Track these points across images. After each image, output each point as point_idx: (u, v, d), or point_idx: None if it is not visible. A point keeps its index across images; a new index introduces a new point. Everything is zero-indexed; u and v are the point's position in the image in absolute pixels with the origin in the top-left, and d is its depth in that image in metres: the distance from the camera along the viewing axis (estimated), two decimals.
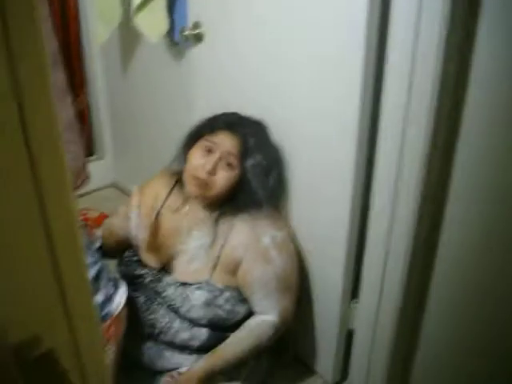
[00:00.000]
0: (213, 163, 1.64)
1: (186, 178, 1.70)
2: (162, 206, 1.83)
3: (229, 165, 1.65)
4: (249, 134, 1.68)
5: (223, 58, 1.90)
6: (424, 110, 1.38)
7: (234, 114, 1.75)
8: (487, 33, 1.29)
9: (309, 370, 2.05)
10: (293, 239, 1.79)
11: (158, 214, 1.81)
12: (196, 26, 1.91)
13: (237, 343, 1.69)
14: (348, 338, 1.91)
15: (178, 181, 1.82)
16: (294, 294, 1.75)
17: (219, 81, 1.95)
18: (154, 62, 2.48)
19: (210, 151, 1.66)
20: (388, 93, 1.46)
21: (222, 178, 1.66)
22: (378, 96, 1.51)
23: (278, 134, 1.76)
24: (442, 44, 1.30)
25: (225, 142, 1.66)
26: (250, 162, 1.66)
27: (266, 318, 1.70)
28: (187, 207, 1.79)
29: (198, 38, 1.92)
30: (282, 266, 1.69)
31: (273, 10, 1.66)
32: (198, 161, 1.66)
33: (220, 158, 1.65)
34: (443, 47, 1.31)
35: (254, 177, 1.67)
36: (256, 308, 1.71)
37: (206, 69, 1.99)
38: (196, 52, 1.99)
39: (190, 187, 1.69)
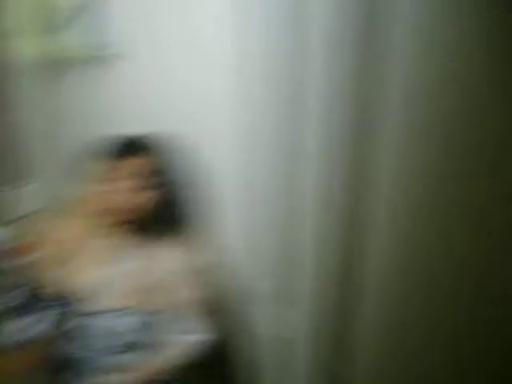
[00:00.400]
0: (122, 190, 1.62)
1: (97, 211, 1.68)
2: (78, 237, 1.77)
3: (141, 187, 1.65)
4: (159, 151, 1.69)
5: (139, 78, 1.95)
6: None
7: (132, 137, 1.72)
8: None
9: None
10: (220, 259, 1.82)
11: (74, 243, 1.76)
12: (113, 45, 1.93)
13: (160, 357, 1.67)
14: (284, 347, 1.93)
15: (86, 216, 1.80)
16: (221, 315, 1.78)
17: (136, 99, 1.98)
18: (74, 81, 2.47)
19: (115, 179, 1.65)
20: None
21: (137, 199, 1.63)
22: None
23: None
24: None
25: (132, 167, 1.64)
26: (163, 180, 1.65)
27: (193, 336, 1.70)
28: (103, 234, 1.78)
29: (117, 58, 1.93)
30: (209, 287, 1.70)
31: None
32: (104, 190, 1.64)
33: (126, 182, 1.64)
34: None
35: (170, 195, 1.67)
36: (185, 327, 1.70)
37: (124, 86, 2.02)
38: (116, 70, 2.01)
39: (106, 215, 1.66)
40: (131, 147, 1.66)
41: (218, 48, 1.69)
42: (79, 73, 2.33)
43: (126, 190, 1.61)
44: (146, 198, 1.63)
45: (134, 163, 1.63)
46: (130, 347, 1.65)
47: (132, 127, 1.80)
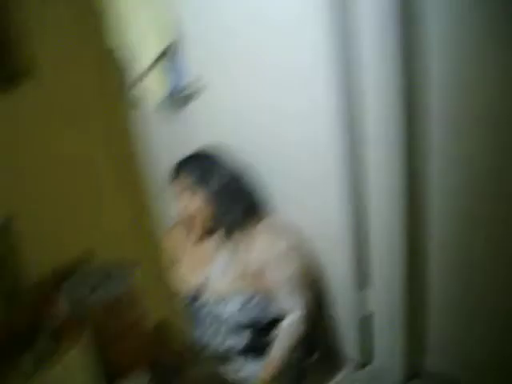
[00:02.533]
0: (183, 200, 2.09)
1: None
2: (182, 249, 2.21)
3: (192, 193, 2.06)
4: (191, 169, 2.08)
5: (215, 110, 2.23)
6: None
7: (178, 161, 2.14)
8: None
9: (338, 357, 2.34)
10: (302, 242, 2.13)
11: (183, 252, 2.20)
12: (192, 85, 2.25)
13: (280, 347, 1.99)
14: (368, 321, 2.20)
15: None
16: (313, 289, 2.08)
17: (214, 129, 2.26)
18: (148, 121, 2.74)
19: (181, 193, 2.10)
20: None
21: (194, 204, 2.07)
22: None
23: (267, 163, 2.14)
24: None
25: (182, 179, 2.09)
26: (210, 185, 2.05)
27: (293, 315, 2.01)
28: (204, 242, 2.16)
29: (194, 95, 2.25)
30: (300, 265, 2.02)
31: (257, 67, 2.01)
32: (180, 204, 2.12)
33: (185, 193, 2.08)
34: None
35: (222, 193, 2.05)
36: (283, 305, 2.02)
37: (200, 123, 2.31)
38: (191, 108, 2.32)
39: (192, 227, 2.14)
40: (175, 171, 2.11)
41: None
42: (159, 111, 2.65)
43: (184, 201, 2.07)
44: (197, 203, 2.06)
45: (179, 181, 2.08)
46: (238, 330, 2.01)
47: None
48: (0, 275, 0.75)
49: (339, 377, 2.25)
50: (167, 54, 2.33)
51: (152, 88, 2.37)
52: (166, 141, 2.61)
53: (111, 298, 0.81)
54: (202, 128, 2.33)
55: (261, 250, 2.03)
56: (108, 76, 0.90)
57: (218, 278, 2.08)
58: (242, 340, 2.01)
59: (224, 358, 2.02)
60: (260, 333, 2.03)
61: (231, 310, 1.99)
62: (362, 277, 2.10)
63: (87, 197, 0.91)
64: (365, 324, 2.20)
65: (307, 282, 2.05)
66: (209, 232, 2.13)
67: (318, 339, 2.31)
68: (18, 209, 0.80)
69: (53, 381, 0.68)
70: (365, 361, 2.28)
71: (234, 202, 2.07)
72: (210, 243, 2.14)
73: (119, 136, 0.93)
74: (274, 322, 2.04)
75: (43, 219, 0.86)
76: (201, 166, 2.09)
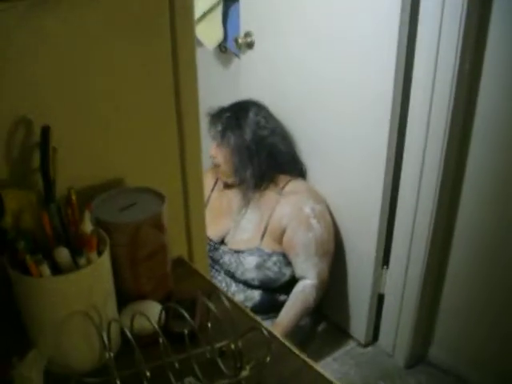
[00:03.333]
0: (212, 149, 2.09)
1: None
2: (210, 194, 2.22)
3: (218, 144, 2.07)
4: (227, 120, 2.06)
5: (269, 63, 2.21)
6: (444, 105, 1.69)
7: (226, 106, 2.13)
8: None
9: (343, 331, 2.33)
10: (329, 212, 2.11)
11: (208, 199, 2.20)
12: (247, 35, 2.23)
13: (289, 311, 1.99)
14: (379, 302, 2.19)
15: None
16: (330, 260, 2.07)
17: (264, 82, 2.25)
18: (204, 68, 2.76)
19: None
20: (415, 89, 1.77)
21: (220, 155, 2.08)
22: (407, 93, 1.80)
23: (314, 121, 2.10)
24: (459, 45, 1.60)
25: (210, 132, 2.09)
26: (235, 138, 2.03)
27: (306, 282, 2.01)
28: (232, 194, 2.16)
29: (249, 46, 2.24)
30: (321, 234, 2.01)
31: (315, 18, 1.97)
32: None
33: (216, 145, 2.08)
34: (461, 47, 1.60)
35: (250, 147, 2.03)
36: (298, 270, 2.02)
37: (253, 72, 2.31)
38: (245, 58, 2.31)
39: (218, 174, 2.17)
40: (212, 117, 2.09)
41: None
42: (208, 60, 2.67)
43: (214, 149, 2.08)
44: (220, 156, 2.07)
45: (212, 128, 2.07)
46: (258, 283, 2.02)
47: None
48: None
49: (340, 352, 2.25)
50: (224, 2, 2.34)
51: (207, 33, 2.37)
52: (218, 83, 2.65)
53: (137, 221, 0.81)
54: (251, 79, 2.32)
55: (285, 212, 2.02)
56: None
57: (240, 230, 2.09)
58: (251, 298, 2.03)
59: None
60: (270, 294, 2.04)
61: (248, 265, 2.00)
62: (380, 257, 2.08)
63: (131, 123, 0.91)
64: (375, 304, 2.19)
65: (324, 253, 2.04)
66: (232, 184, 2.13)
67: (327, 310, 2.32)
68: (57, 120, 0.80)
69: (67, 286, 0.69)
70: (368, 341, 2.28)
71: (257, 158, 2.05)
72: (236, 195, 2.15)
73: (176, 64, 0.92)
74: (287, 285, 2.05)
75: (82, 135, 0.86)
76: (231, 118, 2.07)
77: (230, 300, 0.90)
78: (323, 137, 2.09)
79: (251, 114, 2.07)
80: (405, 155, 1.88)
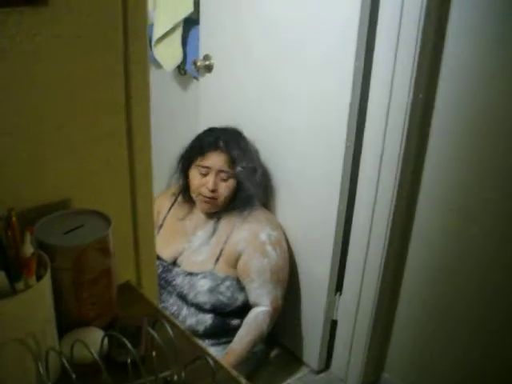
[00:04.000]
0: (212, 182, 1.98)
1: (194, 196, 2.06)
2: (166, 215, 2.17)
3: (224, 178, 2.00)
4: (231, 146, 2.00)
5: (227, 86, 2.21)
6: (398, 138, 1.72)
7: (214, 131, 2.07)
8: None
9: (296, 358, 2.31)
10: (285, 239, 2.10)
11: (163, 221, 2.16)
12: (206, 58, 2.23)
13: (243, 339, 1.95)
14: (332, 328, 2.18)
15: (178, 196, 2.16)
16: (284, 287, 2.05)
17: (222, 105, 2.26)
18: (163, 90, 2.77)
19: (206, 173, 2.00)
20: (372, 102, 1.79)
21: (224, 190, 2.00)
22: (362, 126, 1.83)
23: (270, 147, 2.10)
24: (413, 81, 1.64)
25: (215, 162, 1.99)
26: (238, 169, 1.99)
27: (260, 309, 1.99)
28: (191, 215, 2.13)
29: (208, 69, 2.24)
30: (276, 261, 2.00)
31: (270, 49, 1.99)
32: (199, 181, 2.01)
33: (216, 175, 1.98)
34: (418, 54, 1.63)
35: (244, 179, 2.01)
36: (251, 297, 2.00)
37: (212, 95, 2.30)
38: (204, 80, 2.30)
39: (200, 204, 2.06)
40: (207, 144, 2.02)
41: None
42: (166, 83, 2.66)
43: (211, 183, 1.98)
44: (226, 189, 2.00)
45: (216, 159, 1.98)
46: (210, 307, 1.97)
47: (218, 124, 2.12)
48: None
49: (293, 379, 2.23)
50: (183, 26, 2.34)
51: (166, 56, 2.37)
52: (177, 106, 2.64)
53: (82, 244, 0.79)
54: (211, 102, 2.32)
55: (241, 237, 2.01)
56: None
57: (194, 252, 2.06)
58: (203, 322, 1.99)
59: None
60: (223, 318, 2.01)
61: (201, 288, 1.97)
62: (333, 283, 2.08)
63: (78, 143, 0.88)
64: (328, 330, 2.18)
65: (279, 280, 2.02)
66: (212, 212, 2.09)
67: (279, 336, 2.30)
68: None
69: (3, 312, 0.66)
70: (321, 367, 2.26)
71: (258, 193, 2.05)
72: (196, 217, 2.12)
73: (124, 83, 0.90)
74: (239, 310, 2.02)
75: (25, 154, 0.83)
76: (238, 145, 2.03)
77: (177, 327, 0.88)
78: (281, 160, 2.10)
79: (250, 146, 2.07)
80: (359, 181, 1.90)
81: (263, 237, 2.00)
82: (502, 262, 1.70)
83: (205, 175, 2.00)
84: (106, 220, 0.84)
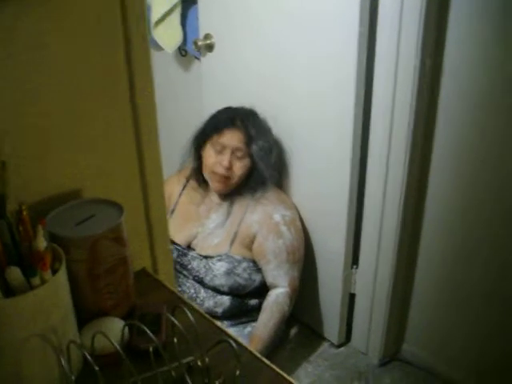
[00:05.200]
0: (228, 160, 1.95)
1: (208, 175, 2.03)
2: (178, 199, 2.15)
3: (239, 157, 1.96)
4: (248, 125, 1.97)
5: (230, 64, 2.18)
6: (408, 101, 1.69)
7: (230, 110, 2.04)
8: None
9: (316, 334, 2.31)
10: (299, 218, 2.08)
11: (176, 205, 2.14)
12: (207, 37, 2.20)
13: (267, 323, 1.94)
14: (350, 302, 2.18)
15: (190, 178, 2.14)
16: (300, 267, 2.04)
17: (227, 84, 2.22)
18: (165, 71, 2.74)
19: (221, 150, 1.96)
20: (378, 83, 1.76)
21: (239, 169, 1.97)
22: (370, 89, 1.79)
23: (280, 123, 2.06)
24: (419, 44, 1.60)
25: (231, 139, 1.95)
26: (254, 149, 1.96)
27: (278, 290, 1.97)
28: (205, 198, 2.11)
29: (209, 48, 2.20)
30: (291, 241, 1.98)
31: (271, 18, 1.94)
32: (214, 159, 1.97)
33: (232, 154, 1.95)
34: (421, 47, 1.60)
35: (260, 159, 1.97)
36: (269, 278, 1.99)
37: (215, 74, 2.27)
38: (206, 60, 2.27)
39: (214, 184, 2.02)
40: (223, 122, 1.98)
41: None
42: (168, 63, 2.64)
43: (227, 161, 1.95)
44: (241, 168, 1.97)
45: (233, 137, 1.96)
46: (227, 290, 1.97)
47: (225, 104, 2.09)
48: None
49: (314, 355, 2.23)
50: (182, 6, 2.30)
51: (166, 37, 2.34)
52: (180, 87, 2.61)
53: (95, 234, 0.78)
54: (213, 82, 2.29)
55: (254, 219, 1.99)
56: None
57: (209, 235, 2.05)
58: (221, 304, 1.99)
59: None
60: (241, 299, 2.01)
61: (217, 271, 1.96)
62: (349, 257, 2.07)
63: (86, 132, 0.87)
64: (346, 304, 2.18)
65: (295, 260, 2.01)
66: (221, 191, 2.06)
67: (298, 313, 2.30)
68: (6, 131, 0.76)
69: (21, 309, 0.65)
70: (342, 341, 2.26)
71: (273, 173, 2.02)
72: (209, 200, 2.11)
73: (128, 70, 0.88)
74: (257, 291, 2.02)
75: (34, 145, 0.81)
76: (255, 124, 1.99)
77: (197, 311, 0.87)
78: (292, 133, 2.07)
79: (266, 126, 2.03)
80: (369, 156, 1.88)
81: (277, 217, 1.98)
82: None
83: (220, 153, 1.97)
84: (118, 208, 0.83)
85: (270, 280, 2.00)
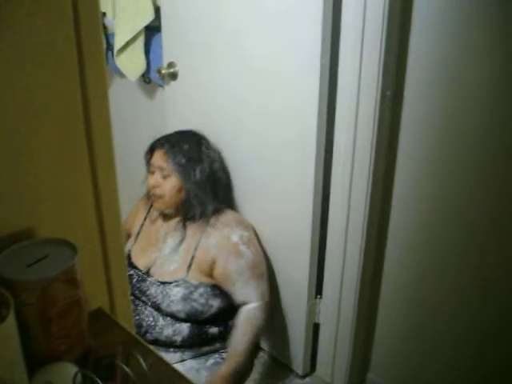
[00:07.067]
0: (153, 180, 2.01)
1: (151, 198, 2.08)
2: (143, 222, 2.17)
3: (165, 176, 1.99)
4: (177, 145, 2.00)
5: (192, 93, 2.19)
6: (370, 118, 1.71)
7: (170, 134, 2.08)
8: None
9: (281, 364, 2.29)
10: (257, 238, 2.10)
11: (141, 228, 2.15)
12: (170, 65, 2.20)
13: (242, 338, 1.93)
14: (314, 332, 2.16)
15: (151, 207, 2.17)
16: (266, 279, 2.05)
17: (189, 112, 2.23)
18: (128, 98, 2.72)
19: (152, 172, 2.02)
20: (341, 110, 1.78)
21: (166, 186, 2.00)
22: (332, 118, 1.81)
23: (236, 151, 2.10)
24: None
25: (157, 159, 2.01)
26: (175, 165, 1.98)
27: (249, 306, 1.97)
28: (162, 221, 2.11)
29: (173, 76, 2.20)
30: (252, 257, 1.99)
31: (234, 53, 1.96)
32: (149, 181, 2.05)
33: (159, 172, 2.00)
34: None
35: (193, 180, 1.98)
36: (239, 297, 1.98)
37: (177, 103, 2.28)
38: (170, 88, 2.27)
39: (154, 204, 2.08)
40: (156, 144, 2.04)
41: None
42: (131, 91, 2.62)
43: (157, 180, 1.99)
44: (168, 185, 1.99)
45: (157, 157, 2.00)
46: (185, 316, 1.94)
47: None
48: None
49: None
50: (145, 34, 2.30)
51: (129, 65, 2.33)
52: (143, 114, 2.60)
53: (47, 277, 0.75)
54: (177, 110, 2.30)
55: (211, 243, 1.98)
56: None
57: (166, 262, 2.03)
58: (180, 332, 1.96)
59: (162, 350, 1.96)
60: (199, 327, 1.98)
61: (174, 297, 1.94)
62: (313, 287, 2.07)
63: (38, 165, 0.84)
64: (311, 334, 2.17)
65: (260, 274, 2.02)
66: (167, 215, 2.09)
67: (263, 343, 2.27)
68: None
69: None
70: (306, 371, 2.24)
71: (208, 195, 2.01)
72: (166, 225, 2.10)
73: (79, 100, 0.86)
74: (214, 317, 2.00)
75: None
76: (191, 150, 2.02)
77: (154, 354, 0.84)
78: (250, 166, 2.08)
79: (203, 147, 2.04)
80: (332, 183, 1.88)
81: (235, 238, 1.99)
82: (487, 260, 1.70)
83: (152, 174, 2.03)
84: (72, 248, 0.80)
85: (240, 299, 1.98)
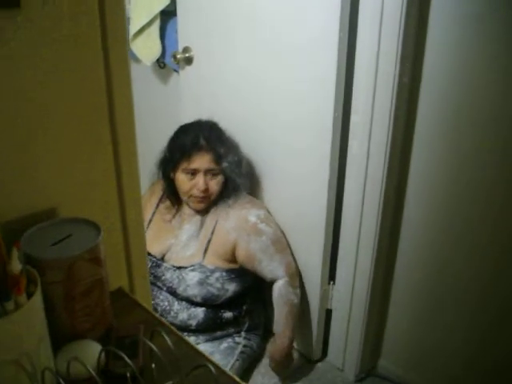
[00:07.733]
0: (203, 182, 1.97)
1: (186, 199, 2.04)
2: (155, 209, 2.16)
3: (213, 175, 1.99)
4: (214, 144, 1.98)
5: (208, 78, 2.18)
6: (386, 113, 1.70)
7: (190, 131, 2.03)
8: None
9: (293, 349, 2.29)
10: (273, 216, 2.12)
11: (152, 215, 2.15)
12: (186, 50, 2.19)
13: (278, 320, 2.02)
14: (327, 318, 2.18)
15: (163, 196, 2.16)
16: (289, 252, 2.08)
17: (204, 97, 2.23)
18: (143, 83, 2.73)
19: (194, 174, 1.98)
20: (357, 90, 1.77)
21: (215, 186, 1.99)
22: (348, 106, 1.81)
23: (254, 137, 2.09)
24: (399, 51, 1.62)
25: (202, 163, 1.97)
26: (225, 165, 1.98)
27: (278, 284, 2.01)
28: (178, 212, 2.11)
29: (188, 61, 2.20)
30: (273, 233, 2.01)
31: (251, 35, 1.95)
32: (188, 184, 1.99)
33: (205, 175, 1.97)
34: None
35: (231, 172, 2.00)
36: (267, 275, 2.01)
37: (192, 87, 2.27)
38: (184, 73, 2.27)
39: (194, 205, 2.04)
40: (191, 148, 1.98)
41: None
42: (146, 76, 2.62)
43: (207, 183, 1.97)
44: (216, 184, 1.99)
45: (203, 160, 1.96)
46: (200, 300, 1.97)
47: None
48: None
49: (290, 370, 2.22)
50: (161, 18, 2.30)
51: (145, 49, 2.33)
52: (158, 99, 2.60)
53: (73, 255, 0.76)
54: (191, 95, 2.29)
55: (229, 226, 2.00)
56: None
57: (182, 247, 2.05)
58: (195, 317, 1.98)
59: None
60: (214, 311, 2.00)
61: (190, 281, 1.96)
62: (326, 273, 2.07)
63: (62, 148, 0.85)
64: (323, 319, 2.18)
65: (283, 248, 2.05)
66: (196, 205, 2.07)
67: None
68: None
69: None
70: (318, 357, 2.26)
71: (243, 179, 2.04)
72: (182, 212, 2.11)
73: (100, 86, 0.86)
74: (230, 302, 2.03)
75: (5, 162, 0.79)
76: (220, 140, 2.01)
77: (175, 334, 0.85)
78: (265, 150, 2.08)
79: (228, 135, 2.06)
80: (348, 168, 1.88)
81: (252, 218, 2.01)
82: (496, 248, 1.70)
83: (193, 177, 1.99)
84: (96, 228, 0.81)
85: (269, 277, 2.02)
